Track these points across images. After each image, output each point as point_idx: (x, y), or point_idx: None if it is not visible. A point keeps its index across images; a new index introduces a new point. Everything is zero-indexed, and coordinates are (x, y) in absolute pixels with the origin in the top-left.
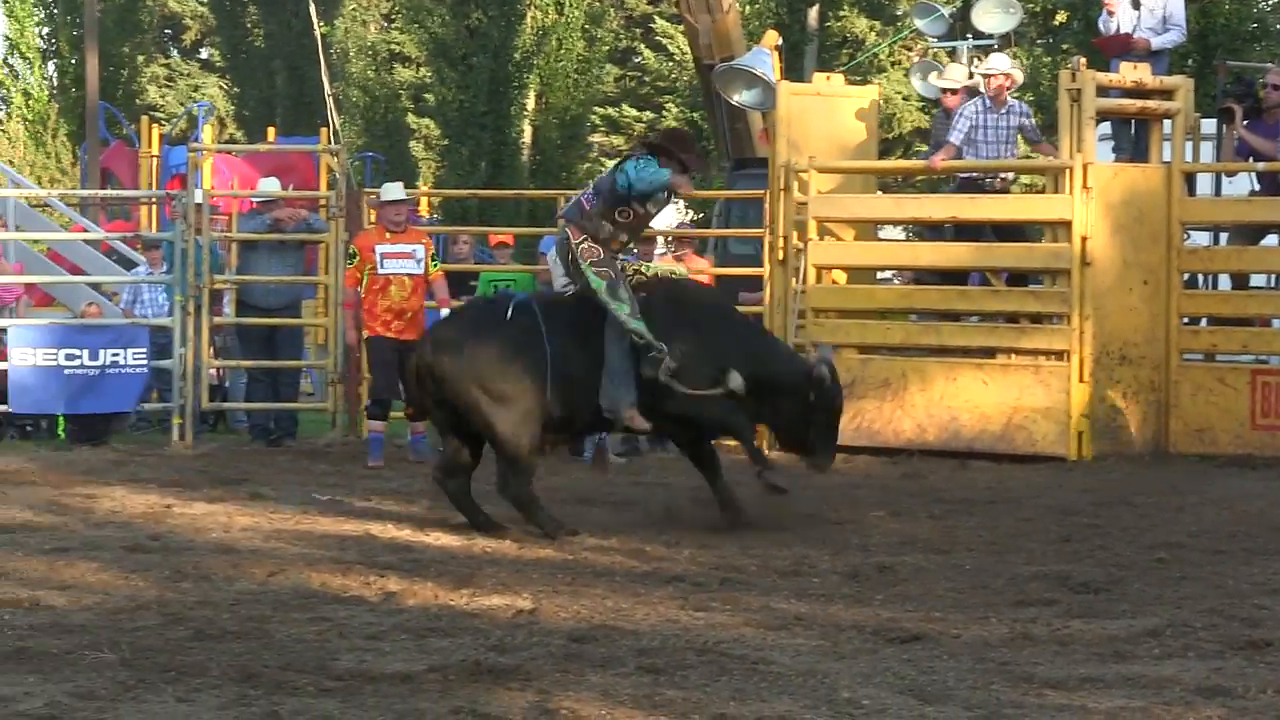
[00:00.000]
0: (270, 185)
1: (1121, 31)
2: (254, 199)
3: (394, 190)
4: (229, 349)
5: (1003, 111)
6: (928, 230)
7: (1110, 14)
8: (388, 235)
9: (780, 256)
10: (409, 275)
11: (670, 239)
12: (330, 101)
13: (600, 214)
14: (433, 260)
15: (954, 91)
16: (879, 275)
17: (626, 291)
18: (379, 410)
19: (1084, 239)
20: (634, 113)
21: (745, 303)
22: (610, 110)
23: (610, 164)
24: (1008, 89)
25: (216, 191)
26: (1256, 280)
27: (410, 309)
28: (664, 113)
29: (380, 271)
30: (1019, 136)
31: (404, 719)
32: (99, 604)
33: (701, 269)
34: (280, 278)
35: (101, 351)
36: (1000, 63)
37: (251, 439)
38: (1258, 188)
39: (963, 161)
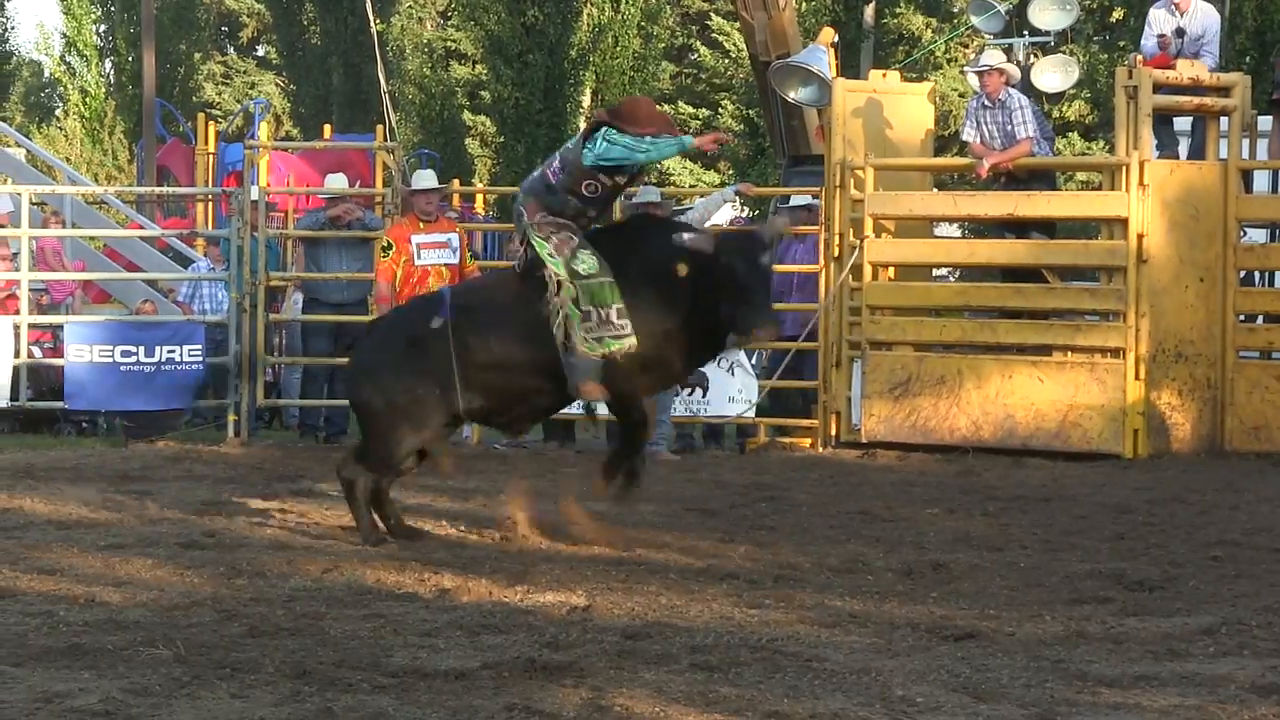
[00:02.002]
0: (337, 181)
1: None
2: (319, 195)
3: (426, 178)
4: (290, 346)
5: (999, 106)
6: (984, 227)
7: (1163, 46)
8: (421, 225)
9: (836, 253)
10: (446, 265)
11: None
12: (386, 99)
13: (566, 188)
14: (469, 252)
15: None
16: (934, 272)
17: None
18: None
19: (1140, 236)
20: (690, 110)
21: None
22: (666, 107)
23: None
24: (1002, 84)
25: (273, 189)
26: None
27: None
28: (720, 110)
29: (418, 263)
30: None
31: (458, 716)
32: (154, 600)
33: None
34: (347, 274)
35: (157, 348)
36: (990, 58)
37: (300, 436)
38: None
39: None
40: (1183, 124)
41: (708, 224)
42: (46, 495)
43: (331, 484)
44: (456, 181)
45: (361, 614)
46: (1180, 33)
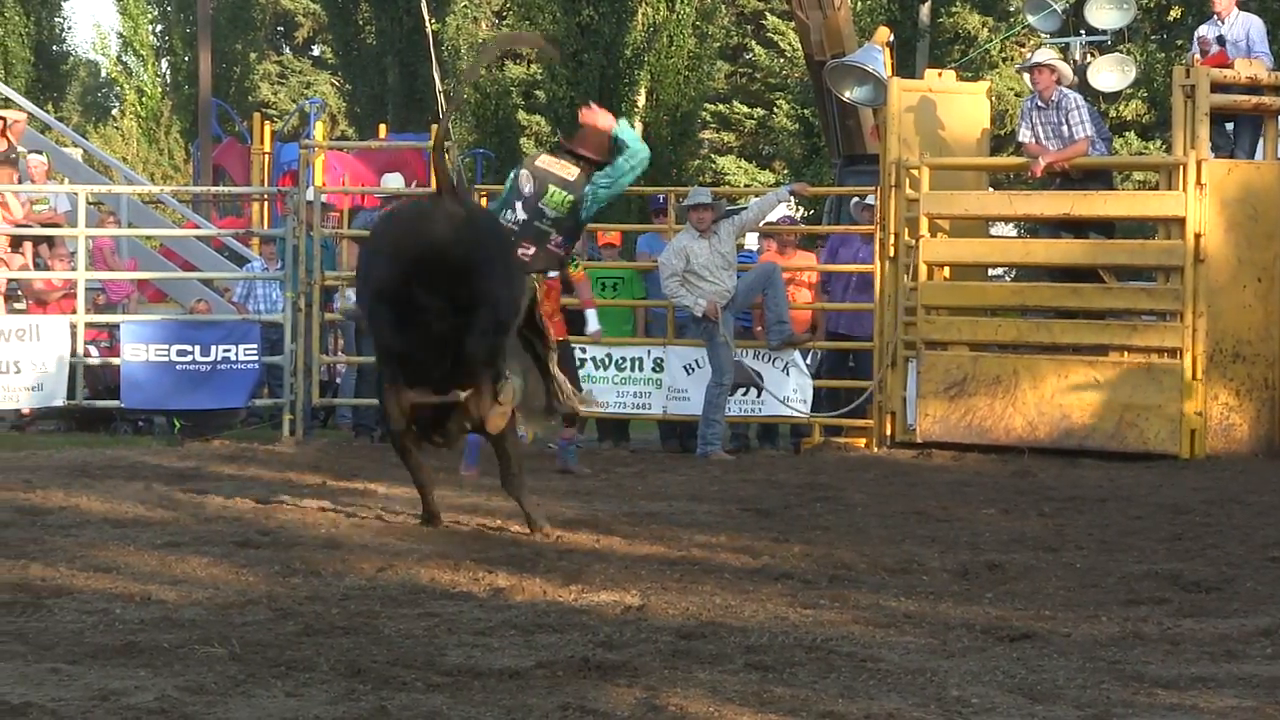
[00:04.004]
0: (392, 181)
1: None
2: (374, 195)
3: None
4: (345, 345)
5: (1054, 106)
6: (1040, 226)
7: (1204, 50)
8: None
9: (891, 253)
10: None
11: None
12: (441, 98)
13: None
14: (573, 260)
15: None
16: (990, 272)
17: None
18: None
19: (1197, 236)
20: (745, 109)
21: None
22: (721, 107)
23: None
24: (1053, 82)
25: (328, 188)
26: None
27: (545, 313)
28: (775, 110)
29: None
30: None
31: (512, 714)
32: (209, 599)
33: (805, 266)
34: None
35: (213, 347)
36: (1041, 56)
37: (354, 436)
38: None
39: (1059, 155)
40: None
41: (763, 223)
42: (102, 494)
43: (384, 483)
44: None
45: (416, 613)
46: (1221, 40)
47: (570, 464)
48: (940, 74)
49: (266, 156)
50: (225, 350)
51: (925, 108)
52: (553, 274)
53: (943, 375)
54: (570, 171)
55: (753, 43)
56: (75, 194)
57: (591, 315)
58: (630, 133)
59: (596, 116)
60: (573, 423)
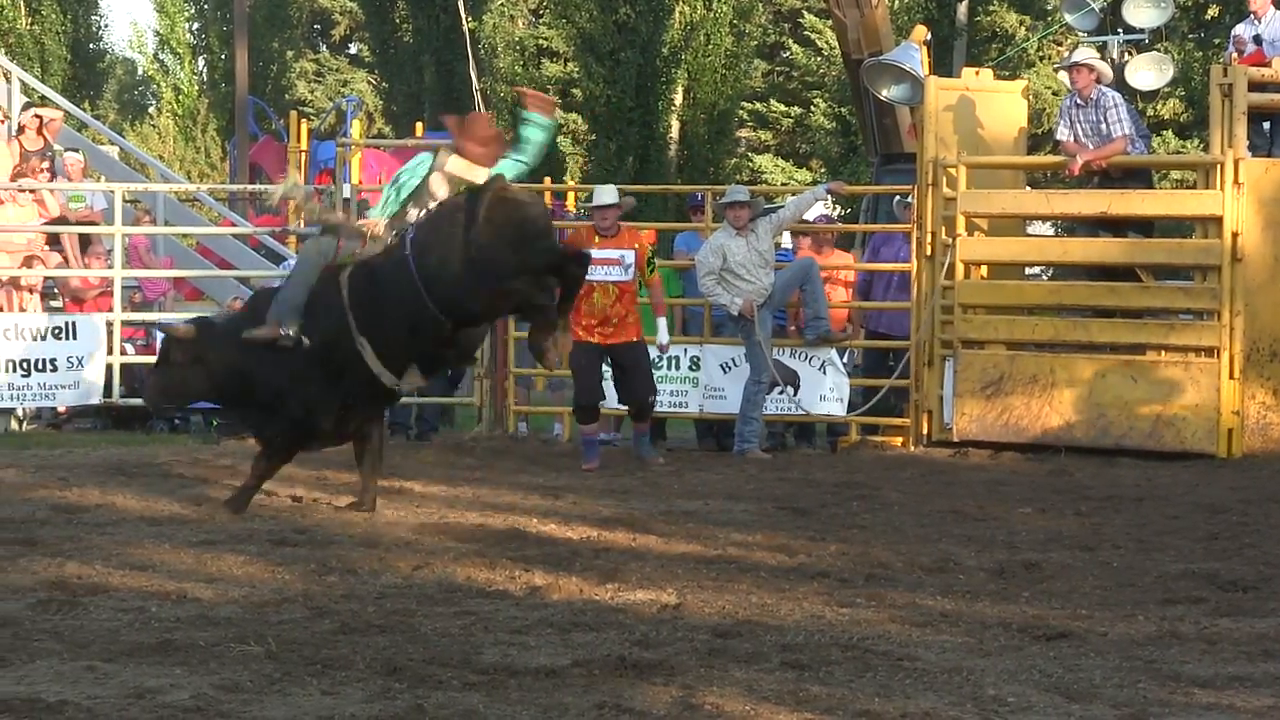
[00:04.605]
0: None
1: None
2: None
3: (606, 193)
4: None
5: (1093, 105)
6: (1078, 225)
7: (1239, 49)
8: (596, 239)
9: (928, 252)
10: (614, 282)
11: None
12: (478, 96)
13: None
14: (649, 263)
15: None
16: (1027, 271)
17: None
18: (584, 415)
19: (1235, 235)
20: (782, 108)
21: None
22: (758, 105)
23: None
24: (1092, 81)
25: (365, 186)
26: None
27: (616, 315)
28: (812, 108)
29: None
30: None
31: (548, 713)
32: (245, 597)
33: (842, 265)
34: None
35: None
36: (1080, 55)
37: (391, 434)
38: None
39: (1097, 154)
40: None
41: (799, 221)
42: (138, 492)
43: (421, 481)
44: (548, 180)
45: (452, 611)
46: (1258, 39)
47: (645, 454)
48: (978, 72)
49: (303, 154)
50: None
51: (962, 106)
52: (626, 277)
53: (980, 374)
54: (480, 176)
55: (790, 41)
56: (112, 192)
57: (662, 324)
58: (538, 139)
59: (542, 106)
60: (645, 416)
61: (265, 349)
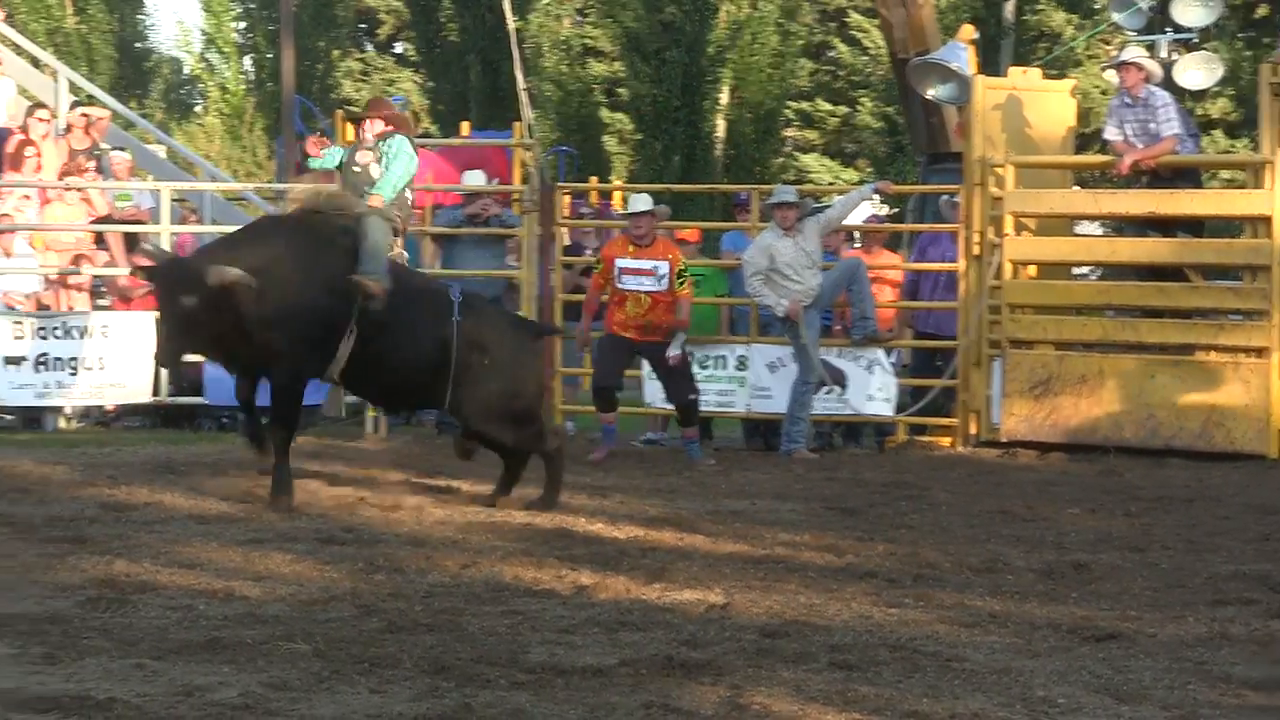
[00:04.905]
0: (475, 178)
1: None
2: (456, 192)
3: (638, 202)
4: None
5: (1142, 104)
6: (1126, 225)
7: None
8: (630, 249)
9: (975, 251)
10: (646, 292)
11: (861, 234)
12: (524, 96)
13: None
14: (679, 276)
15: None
16: (1075, 270)
17: None
18: (600, 399)
19: None
20: (828, 107)
21: None
22: (804, 104)
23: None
24: (1141, 80)
25: (411, 186)
26: None
27: (650, 322)
28: (858, 107)
29: (618, 286)
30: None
31: (595, 712)
32: (293, 595)
33: (889, 265)
34: (482, 271)
35: None
36: (1129, 54)
37: (438, 433)
38: None
39: (1146, 153)
40: None
41: (846, 221)
42: (187, 490)
43: (468, 479)
44: (594, 179)
45: (499, 610)
46: None
47: (694, 457)
48: (1025, 72)
49: None
50: None
51: (1010, 106)
52: (659, 288)
53: (1028, 374)
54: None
55: (836, 40)
56: (158, 191)
57: (679, 339)
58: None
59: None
60: (691, 420)
61: (304, 308)
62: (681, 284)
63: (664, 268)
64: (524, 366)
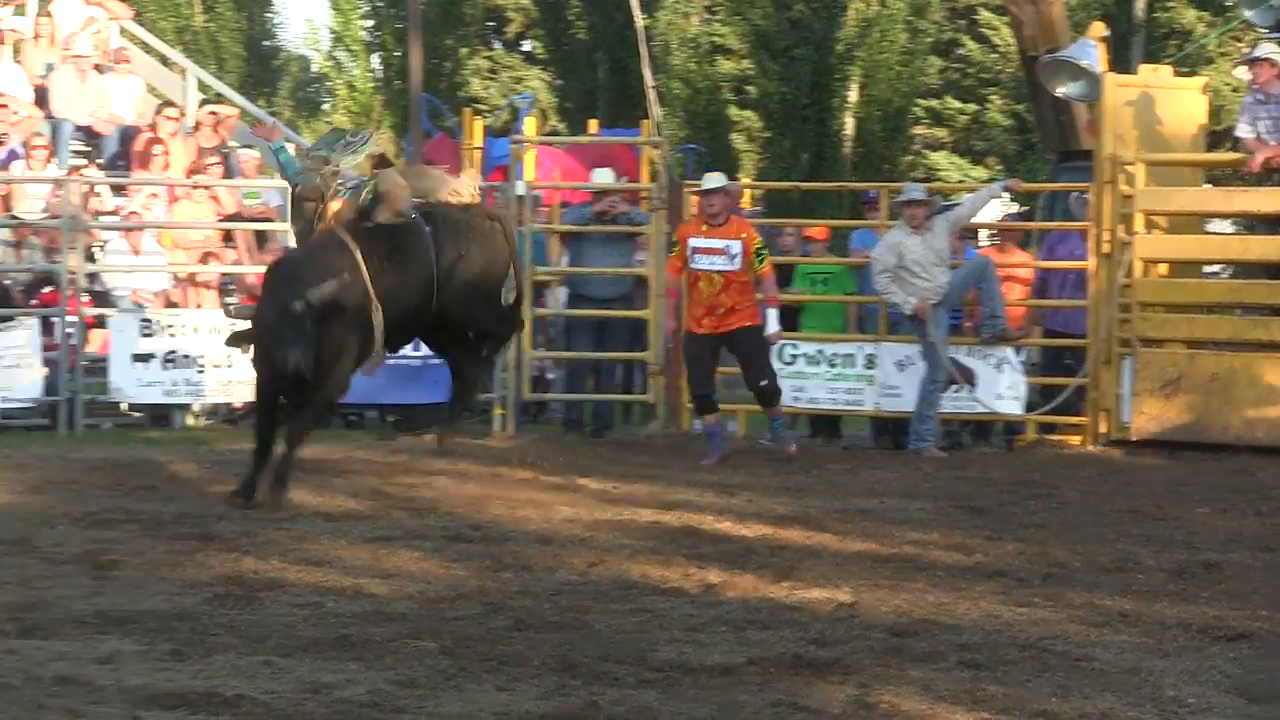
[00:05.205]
0: (603, 176)
1: None
2: (584, 190)
3: (711, 179)
4: (555, 340)
5: (1275, 101)
6: (1258, 223)
7: None
8: (704, 228)
9: (1106, 250)
10: (718, 272)
11: (994, 232)
12: (652, 94)
13: None
14: (758, 255)
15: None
16: (1206, 269)
17: None
18: (699, 405)
19: None
20: (957, 105)
21: None
22: (933, 102)
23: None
24: (1274, 76)
25: (538, 183)
26: None
27: (723, 305)
28: (988, 105)
29: (692, 266)
30: None
31: (723, 711)
32: (420, 593)
33: (1019, 263)
34: (611, 269)
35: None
36: (1262, 50)
37: (565, 431)
38: None
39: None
40: None
41: (974, 219)
42: (314, 487)
43: (595, 478)
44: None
45: (627, 608)
46: None
47: (778, 439)
48: (1156, 69)
49: (477, 152)
50: None
51: (1140, 103)
52: (732, 266)
53: (1158, 373)
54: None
55: (965, 37)
56: (286, 189)
57: (772, 315)
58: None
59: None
60: (770, 403)
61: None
62: (761, 262)
63: (736, 246)
64: (487, 249)
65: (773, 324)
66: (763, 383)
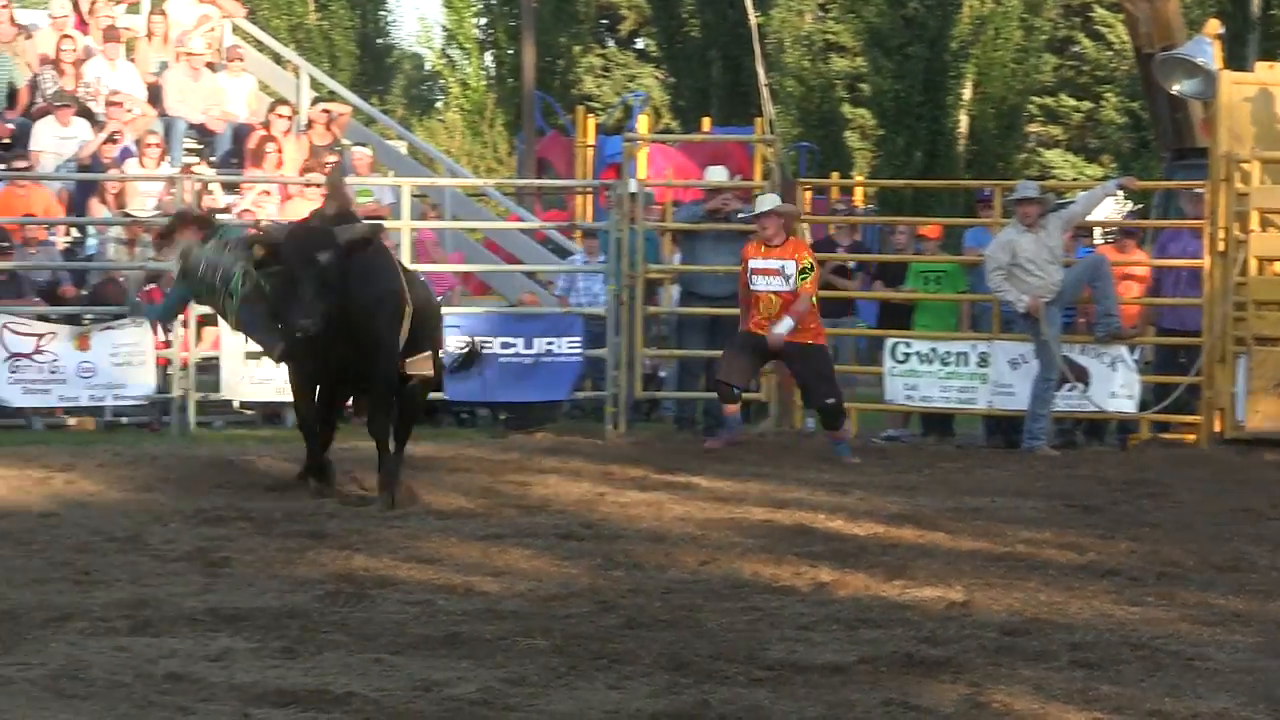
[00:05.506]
0: (716, 174)
1: None
2: (697, 188)
3: (763, 203)
4: (668, 338)
5: None
6: None
7: None
8: (762, 250)
9: (1220, 248)
10: (775, 292)
11: (1109, 230)
12: (765, 91)
13: None
14: (801, 273)
15: None
16: None
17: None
18: (721, 391)
19: None
20: (1072, 102)
21: None
22: (1048, 100)
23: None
24: None
25: (651, 181)
26: None
27: (777, 320)
28: (1103, 102)
29: (751, 287)
30: None
31: (834, 710)
32: (531, 591)
33: (1133, 261)
34: (723, 267)
35: (536, 340)
36: None
37: (677, 429)
38: None
39: None
40: None
41: (1089, 217)
42: (426, 485)
43: (707, 476)
44: (836, 175)
45: (738, 607)
46: None
47: (842, 456)
48: (1272, 67)
49: (590, 149)
50: (548, 343)
51: (1257, 101)
52: (788, 287)
53: (1273, 371)
54: None
55: (1080, 35)
56: (399, 187)
57: (786, 323)
58: None
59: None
60: (834, 425)
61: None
62: (805, 279)
63: (791, 267)
64: None
65: (783, 328)
66: (829, 400)
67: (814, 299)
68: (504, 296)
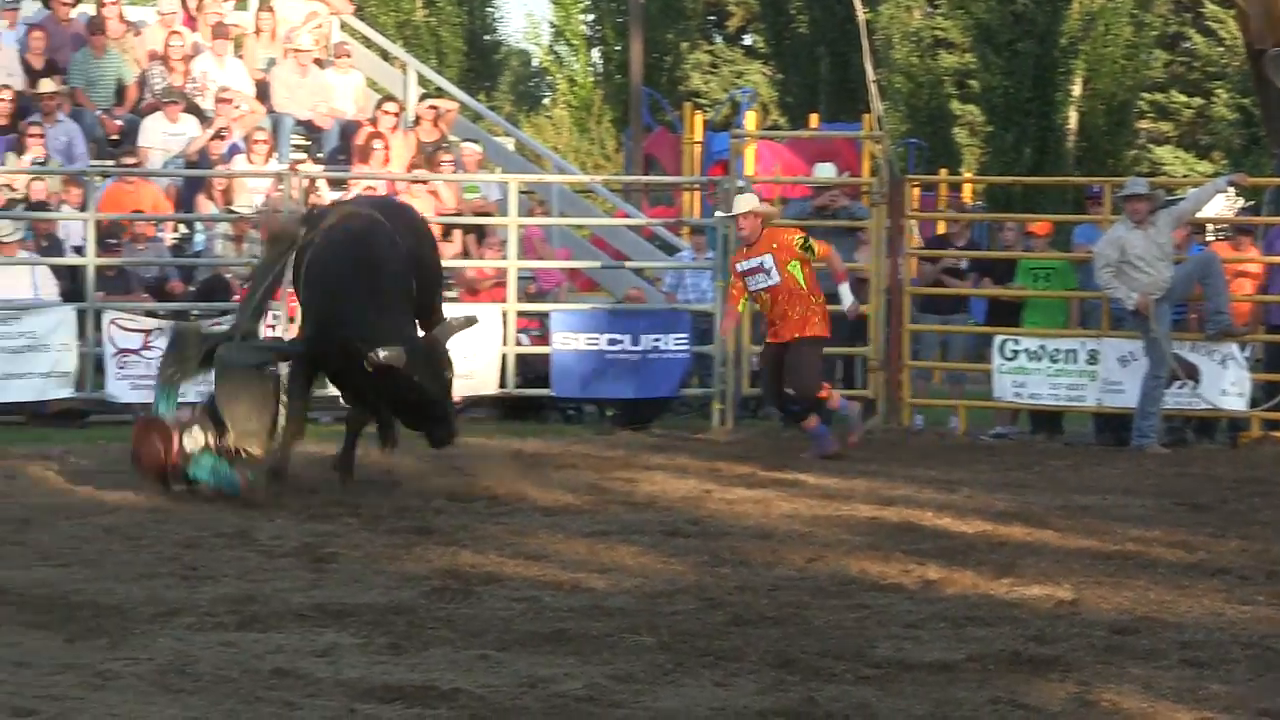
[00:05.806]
0: (825, 171)
1: None
2: (805, 184)
3: (738, 204)
4: None
5: None
6: None
7: None
8: (743, 250)
9: None
10: (764, 289)
11: (1221, 227)
12: (873, 88)
13: None
14: (804, 250)
15: None
16: None
17: None
18: (787, 418)
19: None
20: (1182, 99)
21: None
22: (1158, 96)
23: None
24: None
25: (759, 178)
26: None
27: (776, 317)
28: (1213, 98)
29: (749, 290)
30: None
31: (941, 708)
32: (637, 587)
33: (1244, 258)
34: None
35: (643, 337)
36: None
37: (783, 426)
38: None
39: None
40: None
41: (1200, 214)
42: (533, 481)
43: (815, 473)
44: (944, 171)
45: (846, 604)
46: None
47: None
48: None
49: (697, 146)
50: (655, 339)
51: None
52: (772, 281)
53: None
54: None
55: (1191, 31)
56: (506, 183)
57: (844, 289)
58: None
59: None
60: (802, 417)
61: None
62: (811, 253)
63: (769, 260)
64: None
65: (847, 297)
66: (789, 390)
67: (804, 285)
68: (611, 293)
